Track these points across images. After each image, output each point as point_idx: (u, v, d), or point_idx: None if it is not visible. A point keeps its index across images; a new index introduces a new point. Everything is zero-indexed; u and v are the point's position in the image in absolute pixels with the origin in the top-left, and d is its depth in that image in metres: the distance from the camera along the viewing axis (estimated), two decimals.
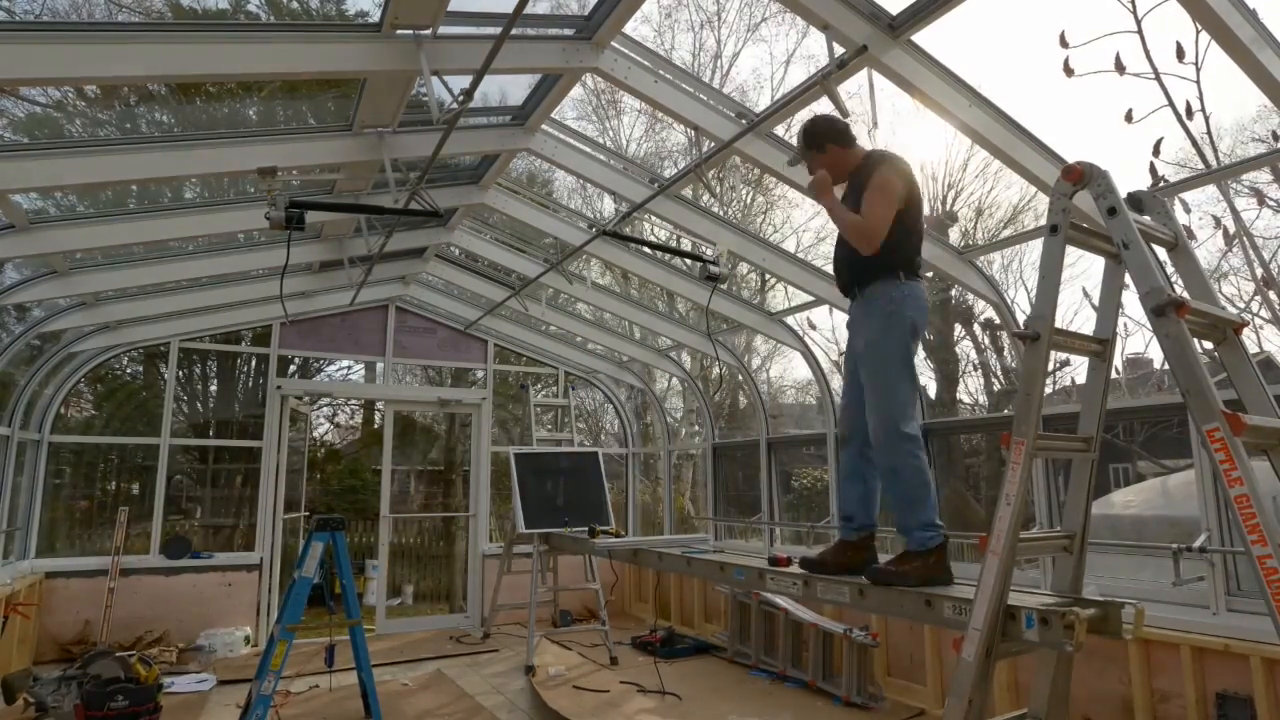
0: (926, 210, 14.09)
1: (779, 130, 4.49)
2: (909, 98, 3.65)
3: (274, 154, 4.26)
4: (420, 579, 11.80)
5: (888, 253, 2.89)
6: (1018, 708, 3.29)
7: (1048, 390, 2.74)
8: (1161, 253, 2.52)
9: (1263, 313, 7.14)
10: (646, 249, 6.91)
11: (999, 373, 12.96)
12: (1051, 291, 2.35)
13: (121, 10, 8.66)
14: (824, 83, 3.47)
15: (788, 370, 14.87)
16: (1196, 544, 3.91)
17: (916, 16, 3.28)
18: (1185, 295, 2.31)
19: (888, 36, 3.37)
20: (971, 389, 13.54)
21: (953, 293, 12.30)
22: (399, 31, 3.47)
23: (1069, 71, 5.43)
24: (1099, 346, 2.57)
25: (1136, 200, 2.58)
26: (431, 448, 14.31)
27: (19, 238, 4.63)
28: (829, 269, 6.58)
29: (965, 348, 13.41)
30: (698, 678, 5.99)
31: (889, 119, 16.13)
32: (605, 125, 15.06)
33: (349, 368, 11.78)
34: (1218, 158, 6.84)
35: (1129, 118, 5.51)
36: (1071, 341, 2.57)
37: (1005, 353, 12.59)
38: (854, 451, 3.11)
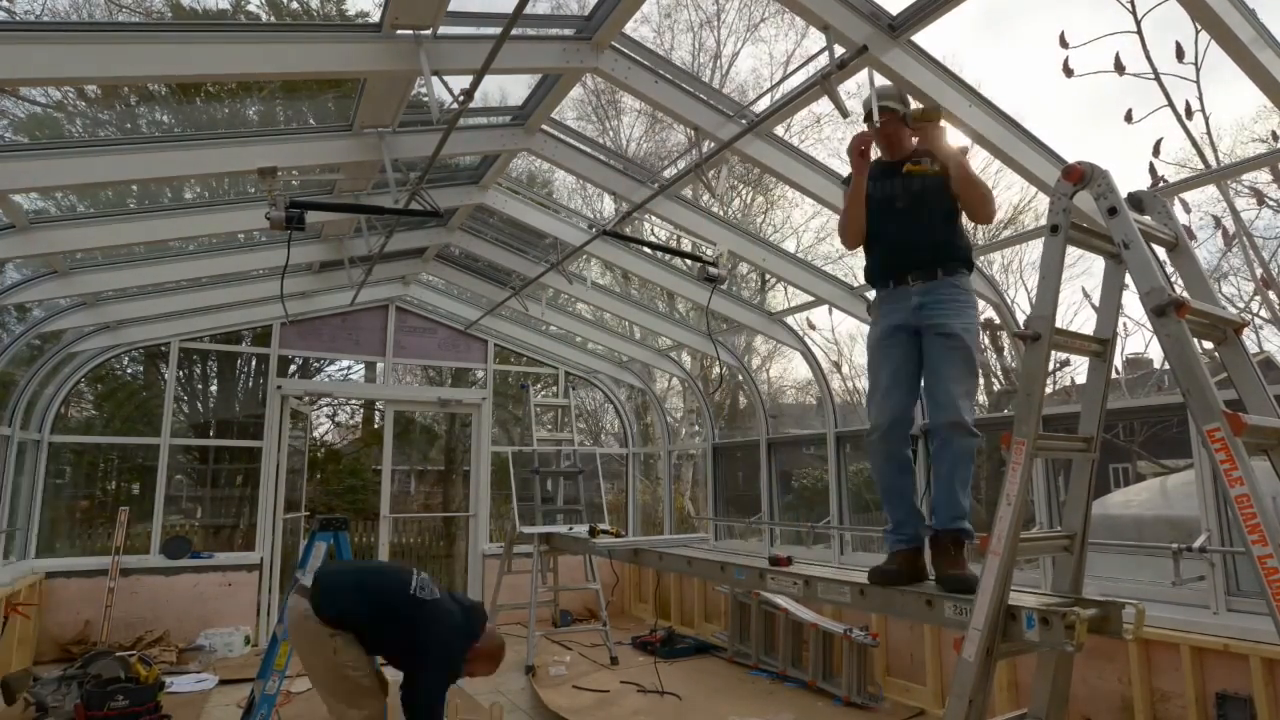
0: None
1: (779, 130, 4.49)
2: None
3: (274, 154, 4.26)
4: None
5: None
6: (1018, 708, 3.29)
7: (1048, 390, 2.74)
8: (1161, 253, 2.52)
9: (1262, 313, 7.15)
10: (646, 249, 6.91)
11: (999, 373, 12.96)
12: (1052, 291, 2.34)
13: (121, 10, 8.68)
14: (824, 83, 3.48)
15: (788, 370, 14.88)
16: (1196, 544, 3.91)
17: (916, 16, 3.28)
18: (1186, 295, 2.31)
19: (888, 37, 3.37)
20: None
21: None
22: (399, 31, 3.47)
23: (1069, 72, 5.44)
24: (1099, 346, 2.57)
25: (1137, 200, 2.58)
26: (431, 448, 14.30)
27: (19, 238, 4.62)
28: (829, 269, 6.63)
29: None
30: (698, 677, 5.99)
31: None
32: (605, 125, 15.05)
33: (349, 368, 11.77)
34: (1218, 158, 6.85)
35: (1129, 118, 5.52)
36: (1072, 341, 2.57)
37: (1005, 353, 12.59)
38: (900, 437, 3.04)
